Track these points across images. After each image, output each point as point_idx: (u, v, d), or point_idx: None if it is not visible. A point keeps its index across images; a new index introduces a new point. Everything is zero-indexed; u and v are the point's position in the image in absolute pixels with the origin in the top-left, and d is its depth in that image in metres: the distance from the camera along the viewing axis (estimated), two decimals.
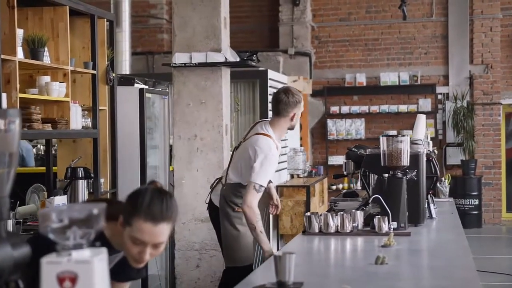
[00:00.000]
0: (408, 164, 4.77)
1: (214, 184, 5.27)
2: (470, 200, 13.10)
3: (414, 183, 4.90)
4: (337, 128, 13.81)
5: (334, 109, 13.81)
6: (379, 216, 4.56)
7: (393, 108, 13.57)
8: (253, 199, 4.80)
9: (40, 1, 5.34)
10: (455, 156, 13.46)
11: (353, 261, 3.92)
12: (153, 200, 2.59)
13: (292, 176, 10.78)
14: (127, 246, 2.64)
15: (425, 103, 13.53)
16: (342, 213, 4.63)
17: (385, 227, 4.51)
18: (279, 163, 9.06)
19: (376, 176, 4.90)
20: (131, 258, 2.67)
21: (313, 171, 11.20)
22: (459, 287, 3.11)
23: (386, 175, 4.75)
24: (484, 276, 9.03)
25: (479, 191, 13.20)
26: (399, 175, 4.76)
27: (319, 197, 10.42)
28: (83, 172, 5.68)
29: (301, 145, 12.79)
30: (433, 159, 5.40)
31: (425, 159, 5.08)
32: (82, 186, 5.69)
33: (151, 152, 6.90)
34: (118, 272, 2.91)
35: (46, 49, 5.20)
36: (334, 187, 13.39)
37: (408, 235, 4.51)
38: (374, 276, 3.30)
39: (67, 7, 5.45)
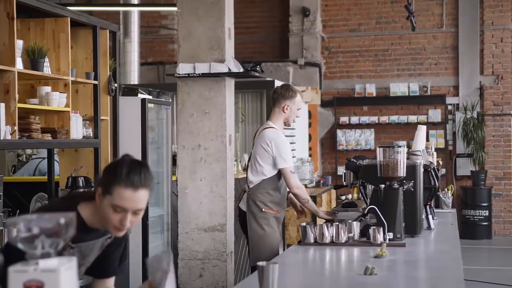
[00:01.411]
0: (405, 175, 4.78)
1: (240, 195, 5.76)
2: (480, 211, 13.05)
3: (411, 194, 4.91)
4: (347, 139, 13.80)
5: (344, 119, 13.82)
6: (374, 227, 4.57)
7: (403, 118, 13.56)
8: (295, 180, 5.45)
9: (42, 13, 5.40)
10: (465, 167, 13.42)
11: (343, 271, 3.94)
12: (132, 169, 2.71)
13: None
14: (108, 216, 2.71)
15: (435, 114, 13.50)
16: (337, 223, 4.64)
17: (380, 238, 4.51)
18: None
19: (373, 187, 4.92)
20: (112, 227, 2.74)
21: (321, 181, 11.20)
22: None
23: (383, 186, 4.76)
24: (489, 287, 9.00)
25: (489, 202, 13.14)
26: (396, 186, 4.77)
27: (327, 207, 10.42)
28: (83, 182, 5.73)
29: (310, 155, 12.81)
30: (431, 170, 5.39)
31: (422, 170, 5.08)
32: None
33: (154, 161, 6.94)
34: (100, 268, 2.96)
35: (46, 59, 5.25)
36: (343, 197, 13.35)
37: (403, 246, 4.51)
38: (360, 287, 3.31)
39: (68, 18, 5.51)
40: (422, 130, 5.99)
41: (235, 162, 8.34)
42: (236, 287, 3.39)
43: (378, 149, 4.83)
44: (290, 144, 10.31)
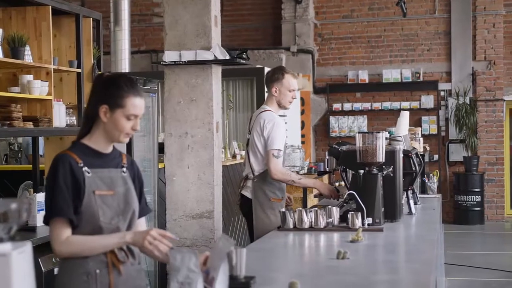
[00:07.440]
0: (384, 160, 4.81)
1: (242, 182, 5.74)
2: (473, 196, 13.10)
3: (390, 179, 4.94)
4: (340, 125, 13.83)
5: (337, 106, 13.84)
6: (352, 212, 4.60)
7: (396, 105, 13.57)
8: (276, 165, 5.39)
9: (23, 1, 5.40)
10: (457, 153, 13.46)
11: (316, 256, 3.97)
12: (131, 81, 3.12)
13: None
14: (120, 126, 3.05)
15: (428, 100, 13.52)
16: (316, 209, 4.67)
17: (358, 223, 4.54)
18: None
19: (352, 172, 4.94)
20: (124, 135, 3.08)
21: (313, 168, 11.21)
22: (407, 280, 3.15)
23: (362, 171, 4.79)
24: (482, 272, 9.05)
25: (481, 188, 13.19)
26: (375, 171, 4.80)
27: None
28: None
29: (303, 142, 12.84)
30: (412, 156, 5.41)
31: (402, 155, 5.10)
32: None
33: (140, 149, 6.96)
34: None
35: (27, 48, 5.27)
36: (337, 184, 13.36)
37: (380, 230, 4.54)
38: (329, 271, 3.34)
39: (50, 6, 5.51)
40: (404, 116, 6.03)
41: (223, 150, 8.37)
42: None
43: (357, 135, 4.86)
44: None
